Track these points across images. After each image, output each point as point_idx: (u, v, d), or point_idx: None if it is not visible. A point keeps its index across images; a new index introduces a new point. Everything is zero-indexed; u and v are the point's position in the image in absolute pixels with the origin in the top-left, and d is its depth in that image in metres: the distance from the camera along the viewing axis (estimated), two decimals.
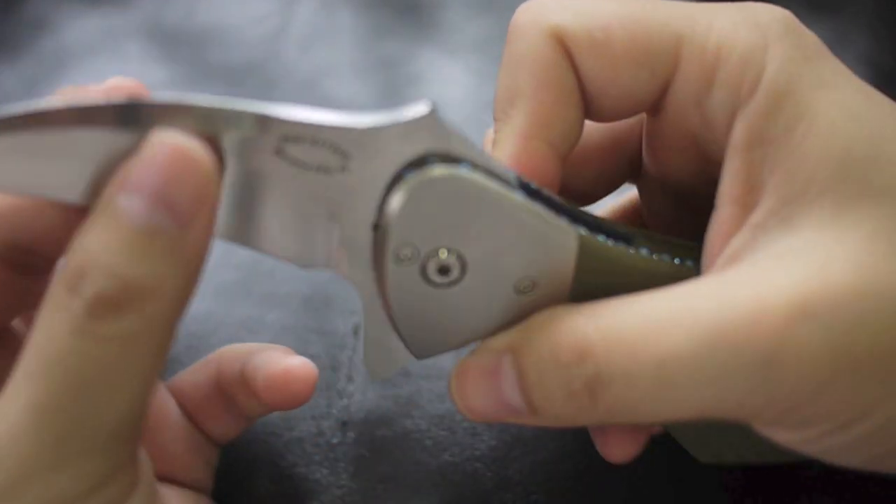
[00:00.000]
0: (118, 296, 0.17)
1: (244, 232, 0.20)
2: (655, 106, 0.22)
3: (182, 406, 0.25)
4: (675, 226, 0.25)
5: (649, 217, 0.26)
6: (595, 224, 0.21)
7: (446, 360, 0.30)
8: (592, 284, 0.21)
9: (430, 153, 0.19)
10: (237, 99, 0.18)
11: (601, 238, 0.21)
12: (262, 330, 0.31)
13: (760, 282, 0.18)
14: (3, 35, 0.42)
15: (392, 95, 0.39)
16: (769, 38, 0.20)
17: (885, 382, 0.17)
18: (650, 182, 0.25)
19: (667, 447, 0.27)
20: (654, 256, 0.21)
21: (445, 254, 0.20)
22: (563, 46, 0.21)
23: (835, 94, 0.19)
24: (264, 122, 0.18)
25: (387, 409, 0.28)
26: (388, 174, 0.19)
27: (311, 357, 0.30)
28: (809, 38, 0.20)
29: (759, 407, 0.18)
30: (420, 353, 0.22)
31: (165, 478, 0.24)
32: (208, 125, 0.18)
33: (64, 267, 0.17)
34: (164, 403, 0.25)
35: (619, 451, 0.23)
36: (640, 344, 0.18)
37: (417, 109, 0.19)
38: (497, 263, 0.20)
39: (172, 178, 0.17)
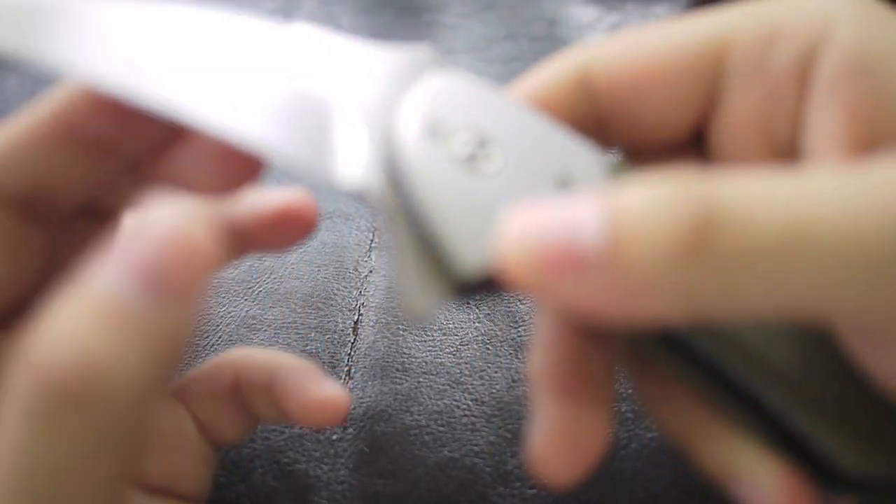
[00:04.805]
0: (78, 378, 0.15)
1: (258, 135, 0.19)
2: (704, 116, 0.20)
3: (191, 410, 0.25)
4: None
5: None
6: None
7: (446, 357, 0.30)
8: None
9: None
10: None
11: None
12: (263, 328, 0.31)
13: None
14: None
15: None
16: (836, 2, 0.18)
17: None
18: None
19: (666, 444, 0.27)
20: None
21: (475, 136, 0.19)
22: (584, 80, 0.20)
23: None
24: (285, 24, 0.20)
25: (386, 405, 0.29)
26: (407, 82, 0.19)
27: (311, 354, 0.30)
28: (885, 11, 0.18)
29: (882, 303, 0.14)
30: (463, 261, 0.17)
31: (166, 491, 0.24)
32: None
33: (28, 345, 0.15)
34: (181, 422, 0.25)
35: (563, 452, 0.18)
36: (770, 196, 0.14)
37: (420, 46, 0.20)
38: (531, 156, 0.18)
39: (158, 252, 0.15)
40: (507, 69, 0.40)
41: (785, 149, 0.19)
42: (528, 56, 0.40)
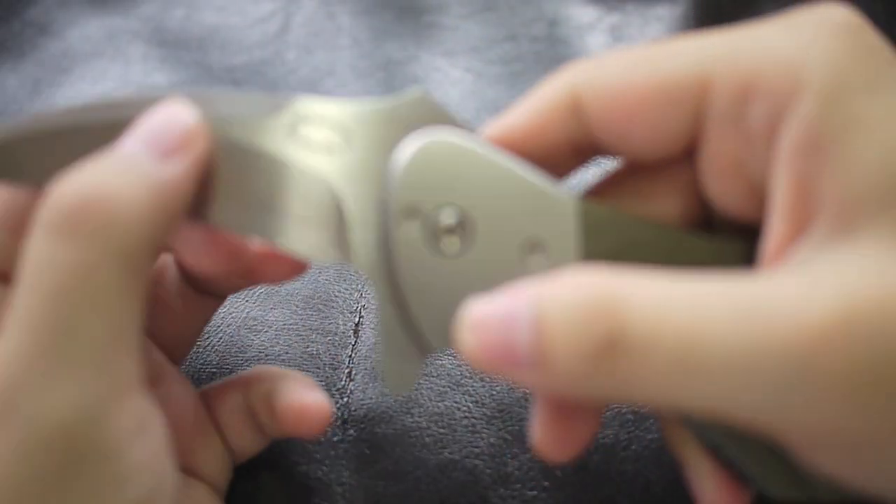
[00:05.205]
0: (85, 200, 0.18)
1: (262, 226, 0.21)
2: (693, 138, 0.21)
3: (211, 415, 0.26)
4: None
5: None
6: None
7: (446, 359, 0.30)
8: (603, 253, 0.21)
9: (427, 127, 0.21)
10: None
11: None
12: (264, 329, 0.31)
13: (809, 288, 0.17)
14: (6, 38, 0.42)
15: None
16: (816, 40, 0.18)
17: None
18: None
19: (666, 446, 0.27)
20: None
21: (450, 215, 0.20)
22: (575, 104, 0.21)
23: (892, 99, 0.18)
24: (277, 102, 0.21)
25: (387, 407, 0.29)
26: (389, 147, 0.21)
27: (312, 356, 0.30)
28: (867, 39, 0.19)
29: (783, 419, 0.17)
30: (436, 340, 0.21)
31: (190, 472, 0.25)
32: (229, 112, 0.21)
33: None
34: (202, 418, 0.26)
35: (558, 442, 0.21)
36: (669, 314, 0.17)
37: (412, 92, 0.21)
38: (501, 226, 0.20)
39: (159, 126, 0.20)
40: (507, 70, 0.40)
41: (760, 190, 0.20)
42: (528, 57, 0.40)
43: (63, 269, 0.18)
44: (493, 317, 0.18)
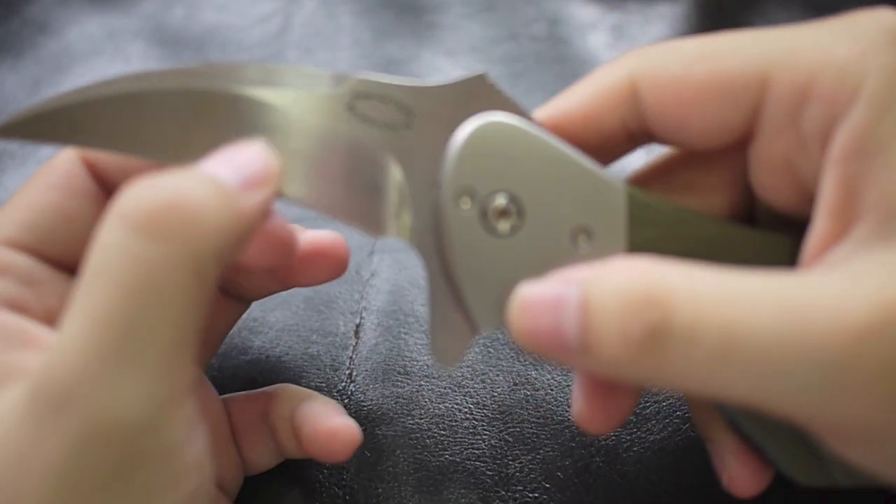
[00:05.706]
0: (169, 208, 0.18)
1: (314, 195, 0.22)
2: (748, 132, 0.22)
3: (230, 425, 0.26)
4: None
5: None
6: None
7: None
8: (650, 241, 0.21)
9: (485, 109, 0.22)
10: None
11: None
12: (265, 330, 0.31)
13: (849, 287, 0.17)
14: (6, 36, 0.42)
15: None
16: (872, 47, 0.19)
17: None
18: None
19: (669, 447, 0.27)
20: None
21: (503, 198, 0.21)
22: (633, 91, 0.22)
23: None
24: (338, 78, 0.22)
25: (387, 409, 0.29)
26: (449, 127, 0.21)
27: (313, 357, 0.30)
28: None
29: (818, 412, 0.18)
30: (483, 320, 0.21)
31: None
32: (291, 82, 0.22)
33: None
34: (221, 421, 0.26)
35: (597, 415, 0.22)
36: (713, 308, 0.17)
37: (472, 73, 0.22)
38: (552, 211, 0.21)
39: (244, 159, 0.20)
40: (508, 70, 0.40)
41: (809, 189, 0.21)
42: (529, 56, 0.40)
43: (139, 263, 0.18)
44: (542, 301, 0.19)
